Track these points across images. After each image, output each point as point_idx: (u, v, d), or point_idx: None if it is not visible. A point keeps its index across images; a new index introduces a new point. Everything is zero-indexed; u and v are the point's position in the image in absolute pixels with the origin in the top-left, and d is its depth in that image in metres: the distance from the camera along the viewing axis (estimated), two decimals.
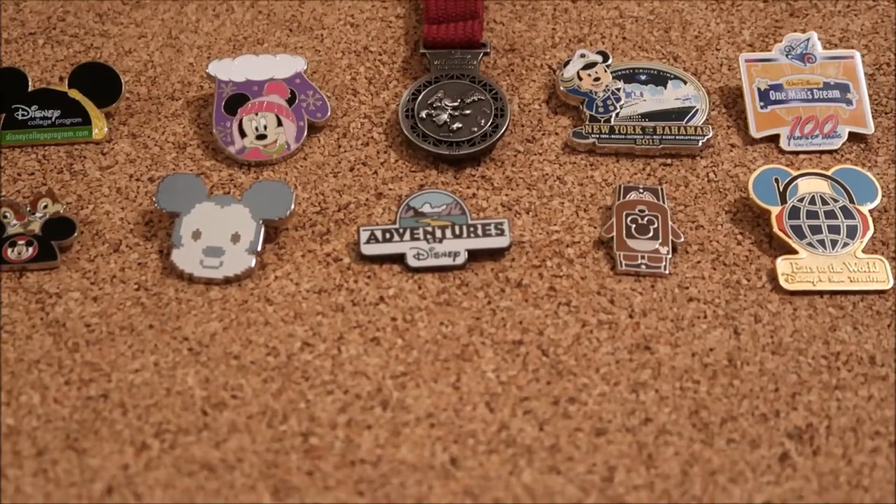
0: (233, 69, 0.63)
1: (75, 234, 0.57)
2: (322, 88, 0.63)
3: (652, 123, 0.61)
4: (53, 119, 0.62)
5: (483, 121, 0.61)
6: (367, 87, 0.65)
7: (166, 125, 0.63)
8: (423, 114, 0.61)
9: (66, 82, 0.63)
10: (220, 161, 0.61)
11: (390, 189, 0.60)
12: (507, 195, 0.60)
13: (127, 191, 0.60)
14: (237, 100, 0.62)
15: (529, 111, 0.63)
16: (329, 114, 0.62)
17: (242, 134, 0.61)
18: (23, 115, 0.62)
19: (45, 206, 0.58)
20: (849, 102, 0.62)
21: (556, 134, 0.62)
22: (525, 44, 0.66)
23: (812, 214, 0.58)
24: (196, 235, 0.57)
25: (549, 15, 0.67)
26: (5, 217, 0.58)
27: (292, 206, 0.58)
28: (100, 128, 0.62)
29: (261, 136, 0.61)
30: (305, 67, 0.63)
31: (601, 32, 0.66)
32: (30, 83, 0.63)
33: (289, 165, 0.61)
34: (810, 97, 0.62)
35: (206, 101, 0.64)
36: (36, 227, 0.57)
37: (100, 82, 0.63)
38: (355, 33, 0.67)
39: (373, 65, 0.65)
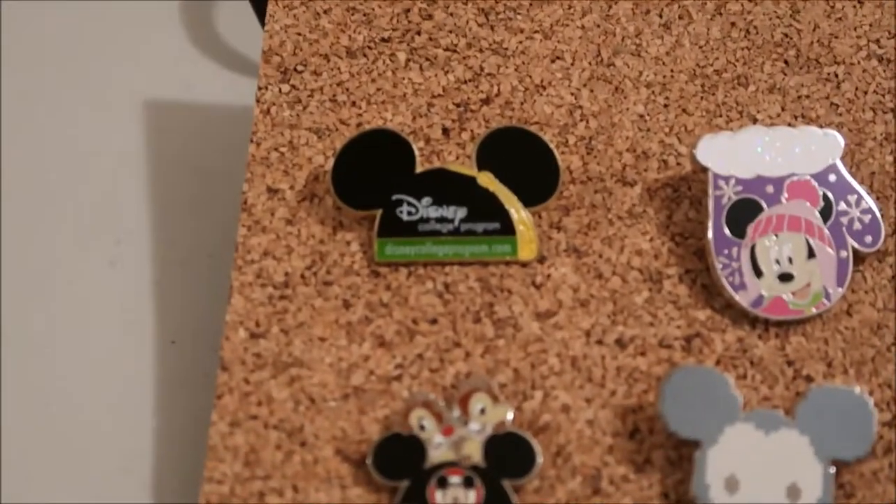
0: (737, 156, 0.40)
1: (536, 466, 0.36)
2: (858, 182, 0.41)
3: None
4: (457, 222, 0.40)
5: None
6: None
7: (624, 233, 0.41)
8: None
9: (473, 158, 0.40)
10: (718, 311, 0.40)
11: None
12: None
13: (589, 368, 0.39)
14: (744, 209, 0.40)
15: None
16: (883, 236, 0.40)
17: (757, 271, 0.39)
18: (409, 212, 0.40)
19: (483, 410, 0.37)
20: None
21: None
22: None
23: None
24: (732, 485, 0.36)
25: None
26: (422, 427, 0.37)
27: (873, 435, 0.36)
28: (529, 239, 0.40)
29: (785, 277, 0.39)
30: (843, 150, 0.41)
31: None
32: (417, 159, 0.40)
33: (827, 328, 0.39)
34: None
35: (676, 189, 0.41)
36: (474, 448, 0.36)
37: (525, 157, 0.40)
38: (885, 73, 0.44)
39: None
